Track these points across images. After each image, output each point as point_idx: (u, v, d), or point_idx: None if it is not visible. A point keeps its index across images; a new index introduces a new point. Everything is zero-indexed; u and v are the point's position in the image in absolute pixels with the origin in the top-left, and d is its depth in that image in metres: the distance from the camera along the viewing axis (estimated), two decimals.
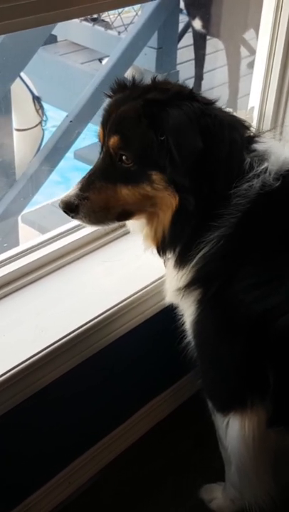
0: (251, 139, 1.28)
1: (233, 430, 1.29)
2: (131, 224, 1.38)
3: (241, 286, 1.18)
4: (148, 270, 1.65)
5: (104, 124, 1.27)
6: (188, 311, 1.32)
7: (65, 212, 1.26)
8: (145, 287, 1.61)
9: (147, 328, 1.65)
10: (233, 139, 1.22)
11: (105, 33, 4.51)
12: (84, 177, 1.27)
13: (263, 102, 1.82)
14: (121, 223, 1.37)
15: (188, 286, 1.28)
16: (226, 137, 1.20)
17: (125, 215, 1.28)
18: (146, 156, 1.20)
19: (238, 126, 1.26)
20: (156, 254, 1.34)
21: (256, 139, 1.28)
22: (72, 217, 1.26)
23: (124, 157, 1.22)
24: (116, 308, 1.54)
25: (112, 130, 1.24)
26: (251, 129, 1.30)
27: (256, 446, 1.28)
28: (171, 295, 1.37)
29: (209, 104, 1.25)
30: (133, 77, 1.31)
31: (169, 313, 1.69)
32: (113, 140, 1.23)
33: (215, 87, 4.50)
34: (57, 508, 1.71)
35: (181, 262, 1.27)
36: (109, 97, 1.31)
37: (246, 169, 1.21)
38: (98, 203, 1.24)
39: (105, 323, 1.52)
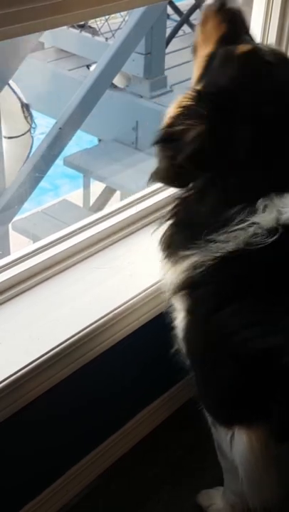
0: None
1: (240, 443, 1.26)
2: None
3: (232, 320, 1.14)
4: (141, 277, 1.64)
5: None
6: (180, 317, 1.29)
7: None
8: (138, 294, 1.60)
9: (141, 335, 1.65)
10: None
11: (93, 39, 4.52)
12: None
13: None
14: None
15: (179, 289, 1.25)
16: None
17: None
18: None
19: None
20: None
21: None
22: None
23: None
24: (110, 315, 1.53)
25: None
26: None
27: (265, 457, 1.25)
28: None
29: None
30: None
31: (163, 319, 1.69)
32: None
33: None
34: None
35: (168, 257, 1.25)
36: None
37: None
38: None
39: (99, 331, 1.51)
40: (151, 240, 1.78)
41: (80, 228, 1.72)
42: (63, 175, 5.20)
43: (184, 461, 1.87)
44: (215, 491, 1.68)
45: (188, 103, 1.17)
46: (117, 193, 4.60)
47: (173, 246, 1.25)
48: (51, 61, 4.97)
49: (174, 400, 1.97)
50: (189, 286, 1.22)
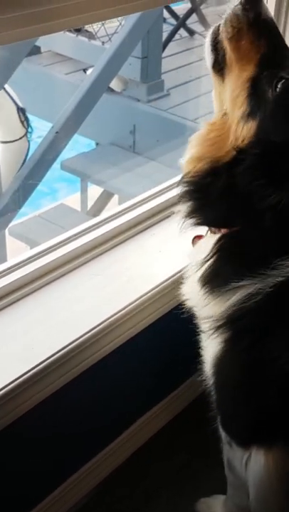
0: None
1: (257, 464, 1.22)
2: None
3: (278, 344, 1.09)
4: (138, 283, 1.62)
5: None
6: (212, 346, 1.22)
7: None
8: (136, 300, 1.58)
9: (139, 340, 1.63)
10: None
11: (89, 43, 4.51)
12: None
13: None
14: None
15: (220, 326, 1.18)
16: None
17: None
18: None
19: None
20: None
21: None
22: None
23: None
24: (107, 322, 1.51)
25: None
26: None
27: (281, 480, 1.21)
28: (194, 301, 1.26)
29: None
30: None
31: (160, 325, 1.68)
32: None
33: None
34: None
35: (210, 291, 1.18)
36: None
37: None
38: None
39: (96, 338, 1.49)
40: (148, 244, 1.78)
41: (77, 234, 1.70)
42: (61, 178, 5.19)
43: (184, 467, 1.85)
44: (213, 500, 1.66)
45: (252, 159, 1.07)
46: (115, 197, 4.59)
47: (220, 279, 1.17)
48: (48, 65, 4.96)
49: (172, 407, 1.95)
50: (235, 319, 1.15)
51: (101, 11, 1.31)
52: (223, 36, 1.15)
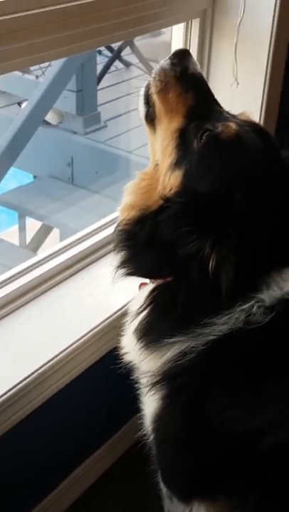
0: None
1: None
2: None
3: (213, 403, 1.09)
4: (74, 326, 1.57)
5: None
6: (151, 403, 1.20)
7: None
8: (70, 346, 1.52)
9: (79, 384, 1.58)
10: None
11: (22, 77, 4.47)
12: None
13: None
14: None
15: (160, 380, 1.16)
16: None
17: None
18: None
19: None
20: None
21: None
22: None
23: None
24: (46, 366, 1.46)
25: None
26: None
27: None
28: (132, 354, 1.25)
29: None
30: None
31: (101, 367, 1.62)
32: None
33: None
34: None
35: (146, 346, 1.16)
36: None
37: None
38: None
39: (33, 385, 1.43)
40: (94, 278, 1.73)
41: (21, 271, 1.65)
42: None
43: None
44: None
45: (180, 206, 1.07)
46: (55, 230, 4.52)
47: (154, 333, 1.16)
48: None
49: (121, 444, 1.91)
50: (171, 376, 1.13)
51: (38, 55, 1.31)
52: (153, 90, 1.21)
